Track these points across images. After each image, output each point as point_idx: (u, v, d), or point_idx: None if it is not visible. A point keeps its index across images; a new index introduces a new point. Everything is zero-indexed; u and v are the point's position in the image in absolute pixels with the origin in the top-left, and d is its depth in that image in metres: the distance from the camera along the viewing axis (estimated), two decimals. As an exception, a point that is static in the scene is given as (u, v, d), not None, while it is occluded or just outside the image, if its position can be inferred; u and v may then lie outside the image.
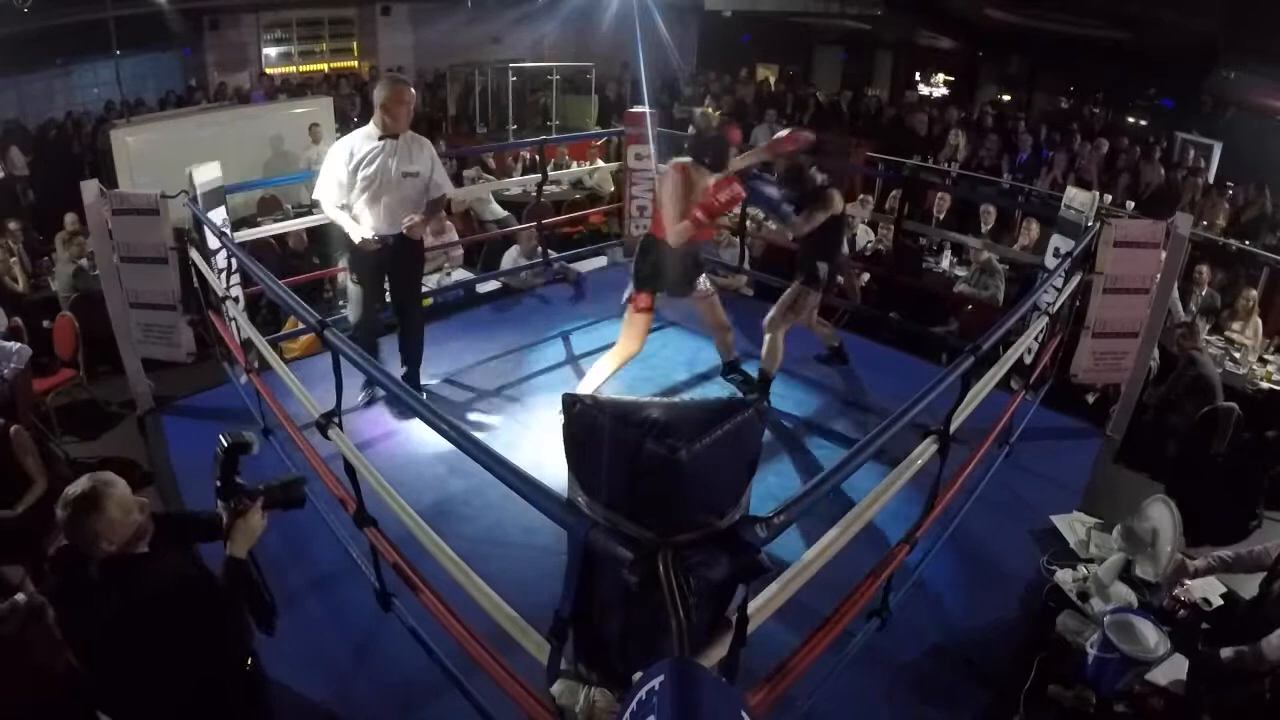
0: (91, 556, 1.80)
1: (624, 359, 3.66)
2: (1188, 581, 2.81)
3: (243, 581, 1.89)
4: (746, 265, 5.46)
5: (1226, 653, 2.44)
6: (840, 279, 4.01)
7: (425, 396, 3.66)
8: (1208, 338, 5.25)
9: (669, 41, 11.18)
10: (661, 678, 1.03)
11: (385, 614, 2.48)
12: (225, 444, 1.94)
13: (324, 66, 12.42)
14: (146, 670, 1.83)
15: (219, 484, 1.94)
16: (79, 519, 1.77)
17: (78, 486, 1.81)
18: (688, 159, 3.48)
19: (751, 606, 1.49)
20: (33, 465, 3.15)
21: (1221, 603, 2.81)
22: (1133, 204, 7.51)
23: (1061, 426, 4.02)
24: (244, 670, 2.02)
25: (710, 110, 4.12)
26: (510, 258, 5.80)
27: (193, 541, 2.08)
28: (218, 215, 3.79)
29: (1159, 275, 3.77)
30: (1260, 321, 5.61)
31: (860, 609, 2.16)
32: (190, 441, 3.67)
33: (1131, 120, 10.93)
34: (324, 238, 6.52)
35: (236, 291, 3.93)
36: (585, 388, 3.63)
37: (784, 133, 3.79)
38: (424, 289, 5.61)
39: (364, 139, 3.51)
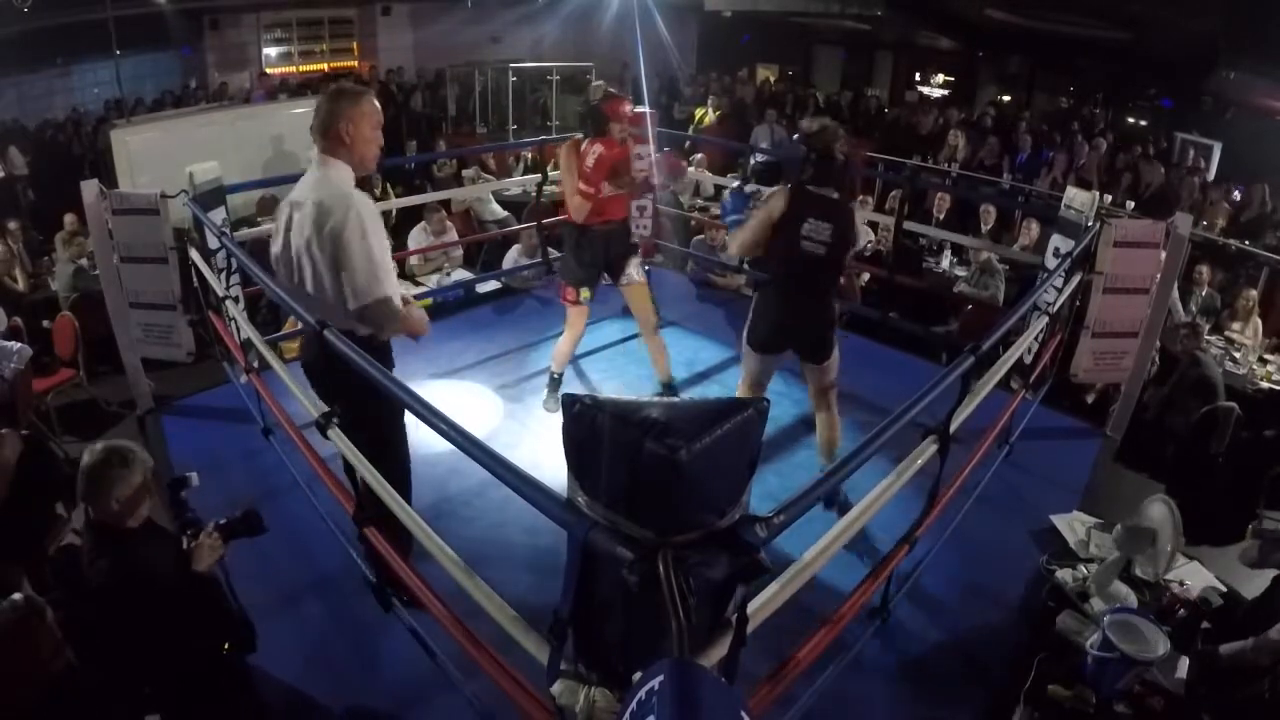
0: (92, 510, 1.96)
1: (568, 345, 3.95)
2: (1188, 581, 2.82)
3: (205, 588, 2.05)
4: (746, 265, 5.45)
5: (1227, 649, 2.44)
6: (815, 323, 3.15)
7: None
8: (1208, 338, 5.26)
9: (669, 41, 11.19)
10: (661, 678, 1.02)
11: (385, 614, 2.48)
12: (166, 482, 2.16)
13: (324, 66, 12.43)
14: (128, 641, 1.93)
15: (173, 516, 2.14)
16: (106, 468, 1.92)
17: (118, 442, 2.00)
18: (578, 135, 3.70)
19: (751, 606, 1.49)
20: None
21: (1222, 602, 2.81)
22: (1133, 204, 7.51)
23: (1061, 426, 4.02)
24: (220, 654, 2.14)
25: (601, 85, 3.90)
26: (511, 258, 5.80)
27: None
28: (217, 215, 3.79)
29: (1159, 275, 3.77)
30: (1260, 321, 5.61)
31: (860, 609, 2.16)
32: (190, 441, 3.67)
33: (1131, 120, 10.93)
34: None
35: (236, 291, 3.93)
36: (555, 366, 4.02)
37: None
38: (424, 289, 5.66)
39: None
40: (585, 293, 3.80)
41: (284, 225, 2.36)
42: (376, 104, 2.39)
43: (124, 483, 1.93)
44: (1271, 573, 2.70)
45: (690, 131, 9.70)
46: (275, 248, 2.43)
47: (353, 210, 2.20)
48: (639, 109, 5.18)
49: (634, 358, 4.41)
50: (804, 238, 2.95)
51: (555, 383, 4.03)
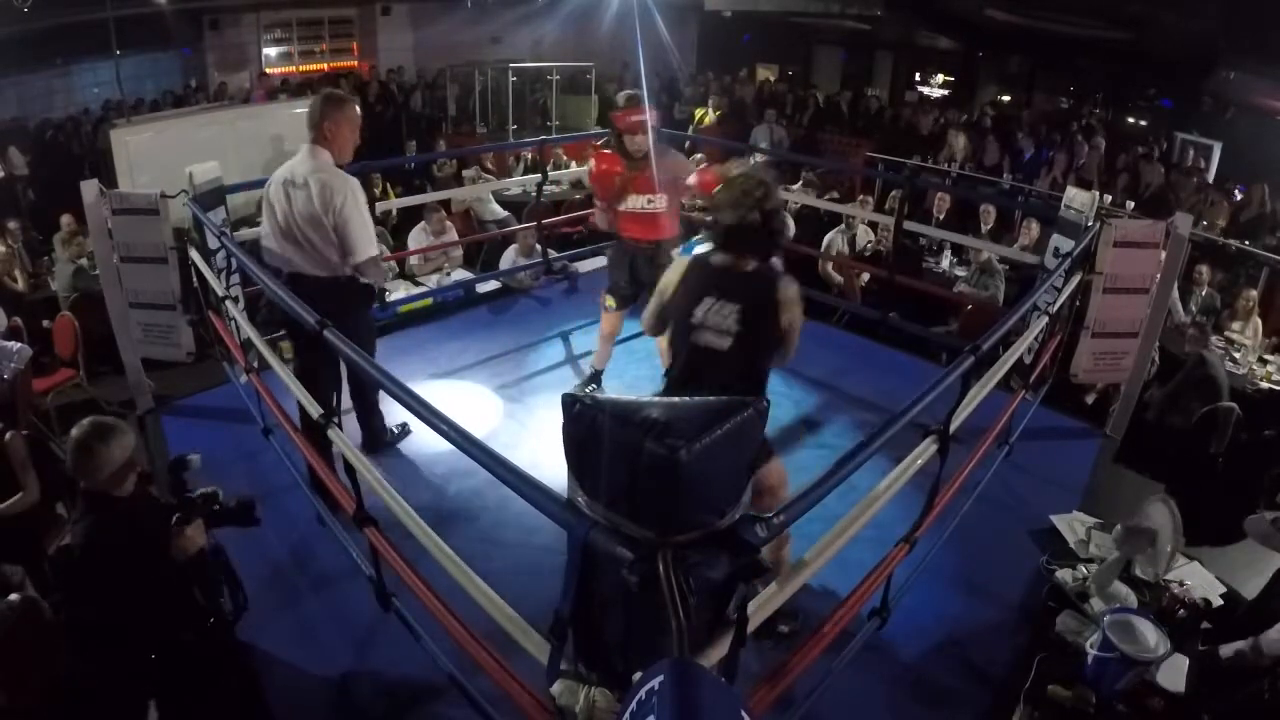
0: (80, 480, 2.06)
1: (599, 344, 3.99)
2: (1188, 581, 2.82)
3: (180, 571, 2.12)
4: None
5: (1226, 650, 2.44)
6: None
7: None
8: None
9: (669, 41, 11.18)
10: (661, 678, 1.03)
11: (385, 614, 2.48)
12: (168, 462, 2.26)
13: (324, 66, 12.42)
14: (107, 607, 2.01)
15: (172, 495, 2.22)
16: (89, 441, 2.02)
17: (99, 417, 2.11)
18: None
19: (751, 606, 1.49)
20: (26, 476, 3.14)
21: (1221, 603, 2.81)
22: (1133, 204, 7.51)
23: (1061, 426, 4.02)
24: (205, 628, 2.20)
25: (626, 94, 3.59)
26: (508, 258, 5.80)
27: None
28: (217, 215, 3.79)
29: (1159, 275, 3.77)
30: (1260, 321, 5.62)
31: (860, 609, 2.16)
32: (190, 441, 3.65)
33: (1131, 120, 10.94)
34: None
35: (236, 291, 3.93)
36: (594, 362, 4.05)
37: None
38: (424, 289, 5.65)
39: None
40: (609, 300, 3.76)
41: (282, 199, 2.84)
42: (357, 110, 2.95)
43: (108, 454, 2.02)
44: (1269, 572, 2.70)
45: (690, 131, 9.70)
46: (269, 221, 2.92)
47: (349, 191, 2.82)
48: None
49: (634, 358, 4.41)
50: (697, 326, 2.26)
51: (590, 377, 4.07)
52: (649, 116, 3.46)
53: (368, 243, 2.89)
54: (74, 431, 2.05)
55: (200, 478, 2.28)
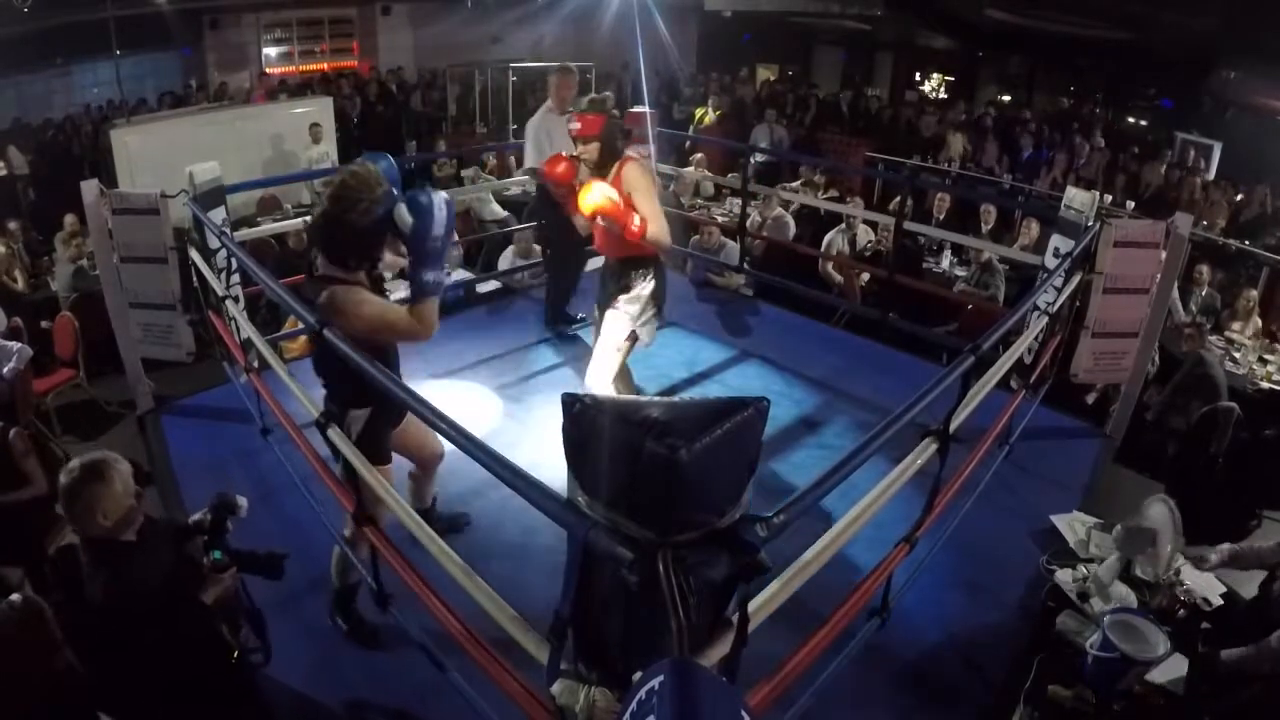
0: (83, 530, 1.91)
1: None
2: (1188, 581, 2.82)
3: (202, 612, 2.05)
4: (746, 265, 5.45)
5: (1227, 654, 2.44)
6: None
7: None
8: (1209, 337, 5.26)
9: (669, 41, 11.18)
10: (661, 677, 1.03)
11: (385, 614, 2.48)
12: (214, 503, 2.15)
13: (324, 66, 12.42)
14: (133, 656, 1.92)
15: (206, 536, 2.14)
16: (82, 486, 1.87)
17: (87, 456, 1.92)
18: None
19: (751, 606, 1.49)
20: (31, 468, 3.14)
21: (1221, 603, 2.81)
22: (1133, 204, 7.51)
23: (1061, 426, 4.02)
24: (229, 661, 2.15)
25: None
26: (507, 258, 5.80)
27: (190, 546, 2.18)
28: (217, 215, 3.78)
29: (1159, 275, 3.77)
30: (1260, 321, 5.62)
31: (860, 609, 2.15)
32: (190, 441, 3.67)
33: (1131, 120, 10.94)
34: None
35: (236, 291, 3.93)
36: None
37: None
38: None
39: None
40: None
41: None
42: (575, 77, 4.56)
43: (105, 497, 1.88)
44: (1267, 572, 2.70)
45: (690, 131, 9.71)
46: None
47: (530, 127, 4.59)
48: (638, 109, 5.18)
49: (634, 358, 4.40)
50: None
51: None
52: (596, 126, 3.03)
53: (530, 159, 4.53)
54: (63, 479, 1.88)
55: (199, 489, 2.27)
